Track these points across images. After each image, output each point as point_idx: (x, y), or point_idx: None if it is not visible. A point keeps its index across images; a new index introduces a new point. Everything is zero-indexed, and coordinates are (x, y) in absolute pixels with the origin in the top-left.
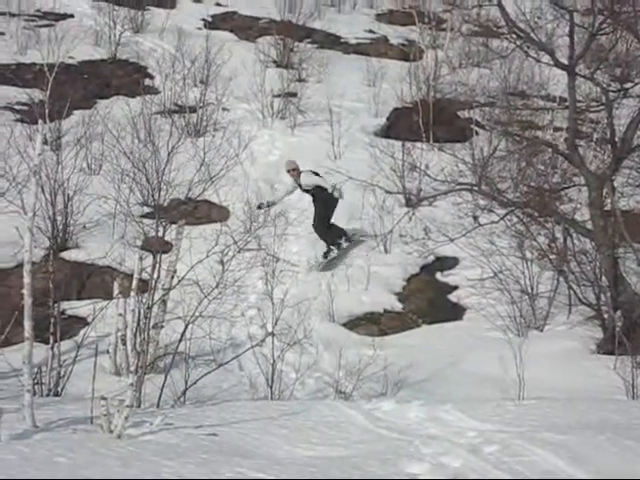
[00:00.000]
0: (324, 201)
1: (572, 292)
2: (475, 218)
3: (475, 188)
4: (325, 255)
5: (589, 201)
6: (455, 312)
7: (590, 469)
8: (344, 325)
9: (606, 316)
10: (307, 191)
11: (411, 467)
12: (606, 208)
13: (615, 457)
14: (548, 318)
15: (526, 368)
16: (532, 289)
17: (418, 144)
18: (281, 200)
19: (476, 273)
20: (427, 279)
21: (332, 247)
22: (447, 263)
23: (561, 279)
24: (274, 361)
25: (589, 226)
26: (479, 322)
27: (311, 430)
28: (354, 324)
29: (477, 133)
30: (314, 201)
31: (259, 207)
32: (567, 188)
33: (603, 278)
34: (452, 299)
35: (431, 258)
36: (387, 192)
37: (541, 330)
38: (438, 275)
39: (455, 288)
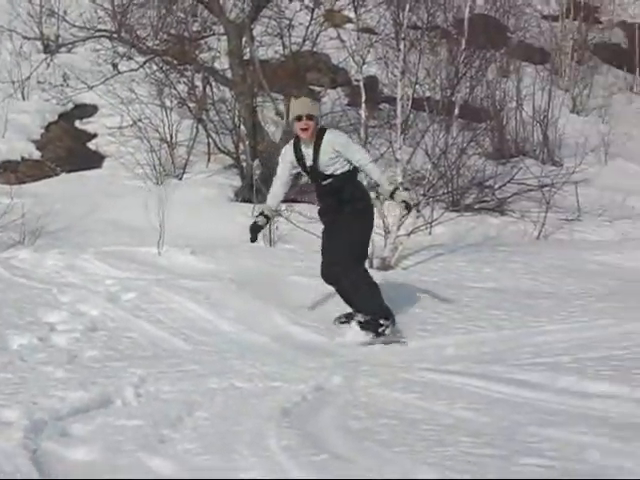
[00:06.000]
0: (365, 207)
1: (211, 140)
2: (114, 66)
3: (114, 35)
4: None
5: (228, 50)
6: (94, 160)
7: (229, 315)
8: None
9: (244, 164)
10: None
11: (49, 315)
12: (245, 57)
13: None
14: (187, 166)
15: (167, 216)
16: (171, 137)
17: None
18: None
19: (115, 121)
20: (66, 127)
21: (381, 321)
22: (86, 111)
23: (200, 127)
24: None
25: (228, 75)
26: (119, 170)
27: None
28: None
29: None
30: (333, 193)
31: None
32: (207, 37)
33: (242, 127)
34: (91, 147)
35: (70, 105)
36: (24, 38)
37: (180, 178)
38: (77, 123)
39: (94, 136)
